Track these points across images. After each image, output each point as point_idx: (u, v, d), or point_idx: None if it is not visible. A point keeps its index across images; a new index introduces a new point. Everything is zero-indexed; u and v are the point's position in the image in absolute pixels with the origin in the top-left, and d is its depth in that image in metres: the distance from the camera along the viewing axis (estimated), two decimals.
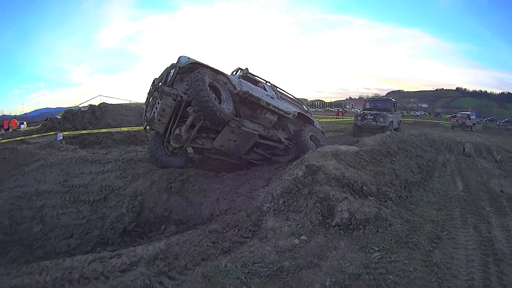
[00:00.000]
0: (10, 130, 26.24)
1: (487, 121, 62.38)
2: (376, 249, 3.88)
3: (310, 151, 7.03)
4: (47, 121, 20.24)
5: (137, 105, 26.79)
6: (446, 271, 3.52)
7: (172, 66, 7.20)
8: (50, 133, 15.83)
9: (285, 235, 4.20)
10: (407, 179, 6.98)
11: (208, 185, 6.77)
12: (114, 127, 16.88)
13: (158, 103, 7.23)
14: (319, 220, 4.57)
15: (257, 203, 5.28)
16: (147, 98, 8.14)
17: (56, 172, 7.66)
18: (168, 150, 8.09)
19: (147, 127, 8.20)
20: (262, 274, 3.23)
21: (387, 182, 6.35)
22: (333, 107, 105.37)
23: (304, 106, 10.45)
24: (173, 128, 7.43)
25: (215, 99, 6.82)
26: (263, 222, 4.62)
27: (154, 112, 7.45)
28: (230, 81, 7.65)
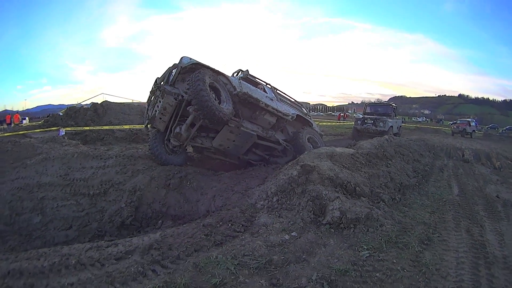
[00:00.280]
0: (12, 125, 26.36)
1: (489, 128, 62.35)
2: (365, 247, 3.94)
3: (306, 152, 7.15)
4: (50, 117, 20.41)
5: (139, 104, 26.92)
6: (435, 271, 3.55)
7: (174, 66, 7.31)
8: (52, 128, 15.97)
9: (276, 231, 4.31)
10: (401, 182, 7.04)
11: (206, 182, 6.88)
12: (116, 125, 17.02)
13: (160, 101, 7.37)
14: (310, 218, 4.68)
15: (252, 200, 5.42)
16: (149, 96, 8.27)
17: (58, 166, 7.81)
18: (168, 148, 8.22)
19: (148, 125, 8.31)
20: (251, 266, 3.34)
21: (381, 184, 6.42)
22: (335, 111, 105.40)
23: (303, 109, 10.53)
24: (174, 126, 7.55)
25: (215, 99, 6.94)
26: (256, 218, 4.75)
27: (156, 111, 7.57)
28: (230, 82, 7.77)
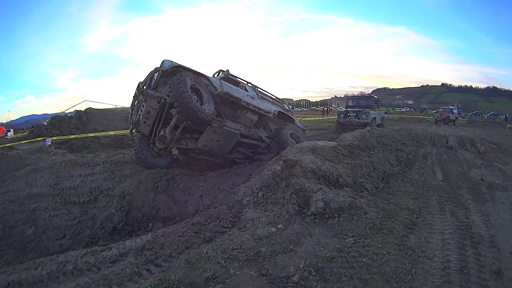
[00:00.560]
0: None
1: (473, 115, 63.35)
2: (350, 235, 4.08)
3: (288, 147, 7.32)
4: (34, 127, 20.25)
5: (122, 109, 26.79)
6: (421, 254, 3.67)
7: (156, 70, 7.39)
8: (38, 138, 15.92)
9: (263, 224, 4.49)
10: (385, 171, 7.24)
11: (192, 183, 6.99)
12: (100, 132, 17.00)
13: (143, 106, 7.43)
14: (295, 210, 4.86)
15: (238, 197, 5.57)
16: (133, 101, 8.29)
17: (47, 176, 7.84)
18: (154, 152, 8.28)
19: (133, 130, 8.37)
20: (241, 259, 3.50)
21: (364, 174, 6.61)
22: (318, 106, 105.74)
23: (285, 105, 10.68)
24: (158, 129, 7.60)
25: (197, 100, 7.04)
26: (243, 214, 4.93)
27: (140, 115, 7.62)
28: (211, 83, 7.87)
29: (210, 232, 4.31)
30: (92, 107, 24.47)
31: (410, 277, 3.23)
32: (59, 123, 18.51)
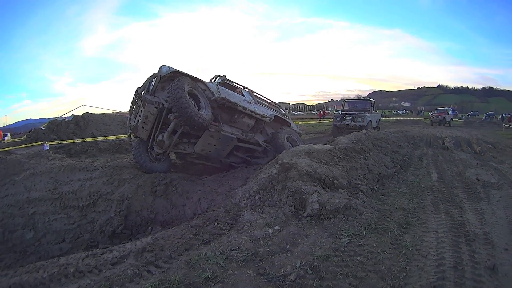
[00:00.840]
0: None
1: (469, 116, 63.69)
2: (345, 235, 4.18)
3: (284, 151, 7.41)
4: (32, 132, 20.25)
5: (120, 114, 26.76)
6: (415, 252, 3.75)
7: (154, 75, 7.45)
8: (36, 143, 15.92)
9: (260, 226, 4.59)
10: (380, 173, 7.35)
11: (190, 187, 7.04)
12: (98, 137, 17.03)
13: (141, 111, 7.51)
14: (291, 212, 4.97)
15: (235, 200, 5.67)
16: (131, 106, 8.38)
17: (46, 180, 7.87)
18: (152, 156, 8.34)
19: (131, 135, 8.44)
20: (239, 259, 3.60)
21: (359, 176, 6.72)
22: (315, 109, 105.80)
23: (281, 110, 10.76)
24: (156, 134, 7.68)
25: (194, 105, 7.14)
26: (240, 216, 5.02)
27: (138, 120, 7.70)
28: (208, 88, 7.95)
29: (209, 234, 4.40)
30: (90, 112, 24.44)
31: (404, 274, 3.29)
32: (56, 127, 18.52)
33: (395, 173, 7.88)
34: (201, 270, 3.34)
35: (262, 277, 3.29)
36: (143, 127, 7.69)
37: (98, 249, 4.28)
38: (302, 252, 3.80)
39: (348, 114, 19.23)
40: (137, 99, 7.83)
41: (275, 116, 9.71)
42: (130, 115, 8.52)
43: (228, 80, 9.15)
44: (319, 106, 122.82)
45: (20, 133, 35.53)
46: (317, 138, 18.61)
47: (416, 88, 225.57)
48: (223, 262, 3.51)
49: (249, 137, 8.94)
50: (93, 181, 7.72)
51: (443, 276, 3.22)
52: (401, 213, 5.11)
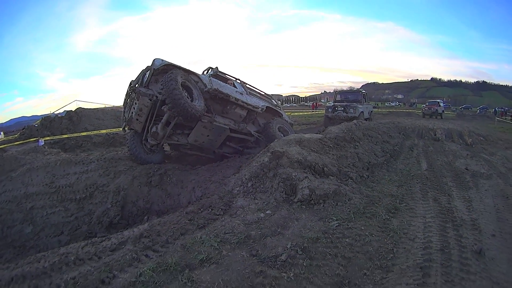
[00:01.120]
0: None
1: (462, 109, 64.19)
2: (335, 219, 4.33)
3: (276, 140, 7.55)
4: (25, 129, 20.20)
5: (113, 108, 26.68)
6: (403, 235, 3.88)
7: (147, 68, 7.56)
8: (30, 139, 15.93)
9: (252, 211, 4.75)
10: (369, 161, 7.49)
11: (185, 176, 7.20)
12: (92, 131, 17.06)
13: (136, 103, 7.64)
14: (283, 198, 5.13)
15: (229, 187, 5.80)
16: (125, 99, 8.50)
17: (43, 175, 7.99)
18: (147, 148, 8.49)
19: (126, 127, 8.57)
20: (232, 242, 3.76)
21: (349, 164, 6.86)
22: (308, 101, 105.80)
23: (273, 101, 10.92)
24: (150, 126, 7.82)
25: (187, 97, 7.26)
26: (234, 202, 5.17)
27: (132, 112, 7.82)
28: (201, 80, 8.06)
29: (203, 220, 4.56)
30: (83, 107, 24.33)
31: (392, 255, 3.44)
32: (49, 124, 18.45)
33: (385, 162, 7.99)
34: (197, 253, 3.47)
35: (254, 257, 3.43)
36: (137, 119, 7.80)
37: (97, 238, 4.40)
38: (292, 235, 3.95)
39: (340, 105, 19.18)
40: (131, 92, 7.94)
41: (266, 106, 9.86)
42: (125, 108, 8.63)
43: (220, 72, 9.27)
44: (312, 98, 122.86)
45: (13, 131, 35.30)
46: (310, 129, 18.50)
47: (409, 80, 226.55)
48: (217, 245, 3.65)
49: (242, 127, 9.08)
50: (89, 173, 7.83)
51: (430, 258, 3.34)
52: (389, 199, 5.24)
